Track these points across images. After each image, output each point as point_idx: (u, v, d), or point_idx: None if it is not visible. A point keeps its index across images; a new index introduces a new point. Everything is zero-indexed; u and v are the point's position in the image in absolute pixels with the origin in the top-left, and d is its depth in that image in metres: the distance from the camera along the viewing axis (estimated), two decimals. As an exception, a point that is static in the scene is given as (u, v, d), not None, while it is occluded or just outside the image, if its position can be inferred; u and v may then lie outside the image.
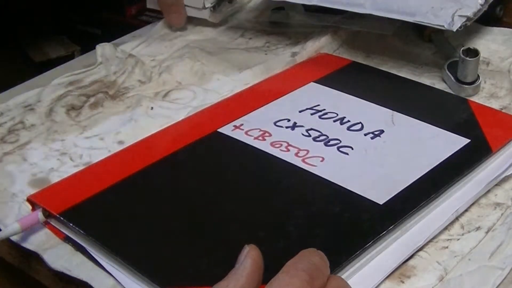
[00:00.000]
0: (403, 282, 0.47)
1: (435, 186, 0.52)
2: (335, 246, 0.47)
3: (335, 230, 0.49)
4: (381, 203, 0.50)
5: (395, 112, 0.61)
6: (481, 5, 0.68)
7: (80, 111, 0.68)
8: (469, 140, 0.56)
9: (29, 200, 0.55)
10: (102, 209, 0.53)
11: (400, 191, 0.51)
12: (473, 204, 0.53)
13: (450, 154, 0.55)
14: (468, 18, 0.66)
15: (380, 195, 0.51)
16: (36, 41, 0.92)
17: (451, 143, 0.56)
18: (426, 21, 0.67)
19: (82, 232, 0.51)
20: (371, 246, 0.48)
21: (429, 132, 0.58)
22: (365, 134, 0.58)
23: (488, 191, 0.54)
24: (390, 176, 0.53)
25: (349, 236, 0.49)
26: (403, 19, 0.68)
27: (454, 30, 0.65)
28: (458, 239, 0.50)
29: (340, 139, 0.58)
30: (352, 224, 0.50)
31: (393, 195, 0.51)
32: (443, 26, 0.66)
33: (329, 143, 0.58)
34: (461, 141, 0.56)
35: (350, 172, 0.54)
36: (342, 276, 0.46)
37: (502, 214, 0.52)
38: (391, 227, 0.48)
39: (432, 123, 0.59)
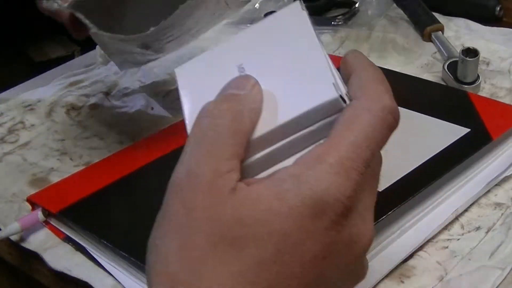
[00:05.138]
0: (403, 282, 0.47)
1: (435, 173, 0.52)
2: None
3: None
4: (380, 190, 0.50)
5: None
6: None
7: (80, 111, 0.68)
8: (469, 130, 0.56)
9: (29, 200, 0.55)
10: (101, 206, 0.53)
11: (400, 178, 0.51)
12: (473, 204, 0.53)
13: (450, 143, 0.55)
14: None
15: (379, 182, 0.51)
16: (36, 41, 0.92)
17: (451, 133, 0.56)
18: None
19: (81, 229, 0.51)
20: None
21: (429, 123, 0.58)
22: None
23: (488, 191, 0.54)
24: (389, 164, 0.53)
25: None
26: None
27: None
28: (458, 239, 0.50)
29: None
30: None
31: (392, 182, 0.51)
32: None
33: None
34: (461, 131, 0.56)
35: None
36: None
37: (502, 214, 0.52)
38: (390, 212, 0.48)
39: (432, 115, 0.59)
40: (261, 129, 0.35)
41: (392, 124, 0.35)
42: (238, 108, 0.34)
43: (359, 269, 0.36)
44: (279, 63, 0.37)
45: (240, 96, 0.35)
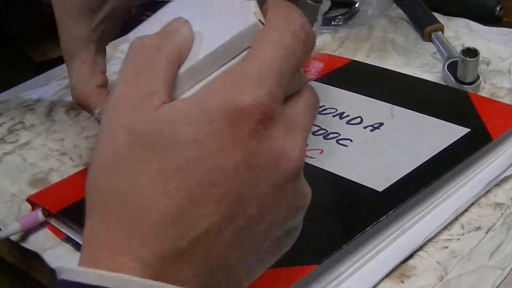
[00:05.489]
0: (403, 282, 0.47)
1: (435, 173, 0.52)
2: (335, 230, 0.48)
3: (336, 216, 0.49)
4: (380, 190, 0.51)
5: (394, 106, 0.61)
6: None
7: (79, 111, 0.68)
8: (469, 130, 0.57)
9: (29, 200, 0.55)
10: None
11: (400, 178, 0.52)
12: (473, 204, 0.53)
13: (450, 143, 0.55)
14: None
15: (379, 182, 0.51)
16: (36, 41, 0.92)
17: (451, 132, 0.56)
18: None
19: (81, 229, 0.51)
20: (371, 234, 0.48)
21: (429, 123, 0.58)
22: (365, 127, 0.59)
23: (488, 191, 0.54)
24: (390, 164, 0.54)
25: (349, 221, 0.49)
26: None
27: None
28: (458, 239, 0.50)
29: (339, 132, 0.58)
30: (352, 209, 0.50)
31: (392, 182, 0.51)
32: None
33: (328, 137, 0.58)
34: (461, 131, 0.56)
35: (349, 162, 0.55)
36: (342, 276, 0.46)
37: (502, 214, 0.52)
38: (390, 212, 0.48)
39: (432, 115, 0.59)
40: (188, 63, 0.36)
41: (305, 39, 0.36)
42: (165, 41, 0.36)
43: (298, 193, 0.36)
44: (213, 9, 0.38)
45: (169, 33, 0.37)
